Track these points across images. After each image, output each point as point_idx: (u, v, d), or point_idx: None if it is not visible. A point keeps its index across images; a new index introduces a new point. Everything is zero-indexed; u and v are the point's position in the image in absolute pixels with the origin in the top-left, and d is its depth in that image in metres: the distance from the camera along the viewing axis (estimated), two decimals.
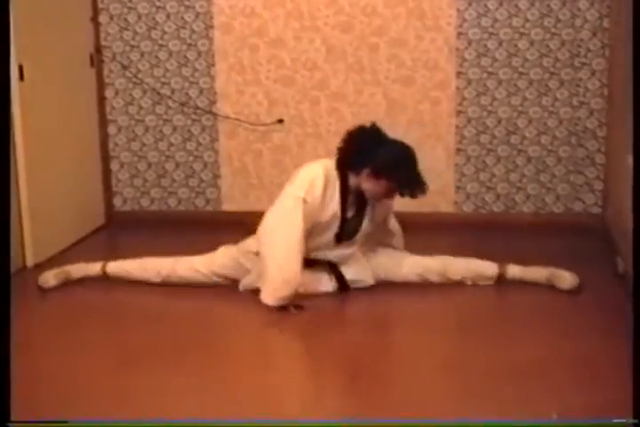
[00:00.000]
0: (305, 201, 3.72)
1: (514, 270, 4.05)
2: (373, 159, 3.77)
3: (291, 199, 3.76)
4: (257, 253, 3.84)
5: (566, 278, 3.97)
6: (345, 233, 3.92)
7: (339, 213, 3.85)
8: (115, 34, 5.40)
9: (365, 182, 3.82)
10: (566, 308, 3.84)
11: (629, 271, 3.73)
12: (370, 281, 4.01)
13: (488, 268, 4.06)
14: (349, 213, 3.91)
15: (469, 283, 4.06)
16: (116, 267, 4.17)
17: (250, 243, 3.95)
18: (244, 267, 3.98)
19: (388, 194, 3.87)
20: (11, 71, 4.19)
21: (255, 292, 3.81)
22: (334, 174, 3.84)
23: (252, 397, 2.94)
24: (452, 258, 4.08)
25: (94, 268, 4.18)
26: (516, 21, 5.13)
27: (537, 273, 4.05)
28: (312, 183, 3.77)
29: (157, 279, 4.09)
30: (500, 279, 4.05)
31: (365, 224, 3.97)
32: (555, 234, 4.52)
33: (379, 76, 5.27)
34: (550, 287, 4.00)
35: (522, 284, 4.09)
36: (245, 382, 3.07)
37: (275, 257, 3.70)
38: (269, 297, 3.72)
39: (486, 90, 5.25)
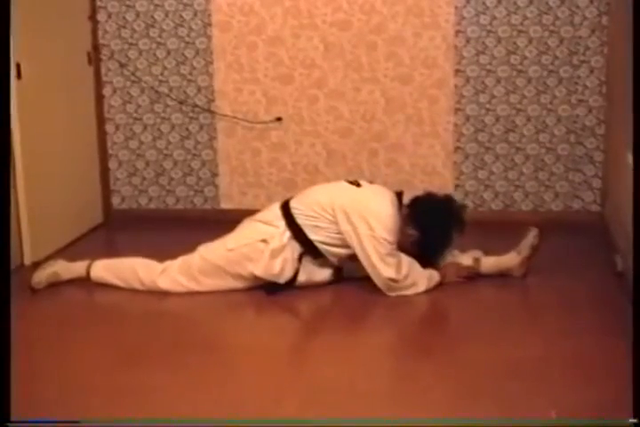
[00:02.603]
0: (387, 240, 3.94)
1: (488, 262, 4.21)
2: (418, 211, 4.06)
3: (383, 245, 3.93)
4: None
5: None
6: None
7: None
8: (113, 32, 5.39)
9: (403, 227, 4.02)
10: (565, 306, 3.84)
11: (628, 269, 3.73)
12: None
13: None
14: None
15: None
16: (99, 278, 4.15)
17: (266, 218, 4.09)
18: (227, 270, 4.01)
19: (412, 241, 4.06)
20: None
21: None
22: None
23: (251, 396, 2.93)
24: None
25: (81, 270, 4.18)
26: (515, 19, 5.13)
27: (511, 261, 4.19)
28: (392, 222, 3.96)
29: (143, 288, 4.09)
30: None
31: None
32: (553, 232, 4.51)
33: (377, 74, 5.26)
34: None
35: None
36: (245, 381, 3.07)
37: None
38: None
39: (485, 88, 5.24)
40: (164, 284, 4.04)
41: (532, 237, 4.15)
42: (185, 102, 5.43)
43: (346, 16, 5.22)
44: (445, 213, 4.05)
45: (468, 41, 5.19)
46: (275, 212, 4.06)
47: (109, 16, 5.37)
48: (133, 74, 5.43)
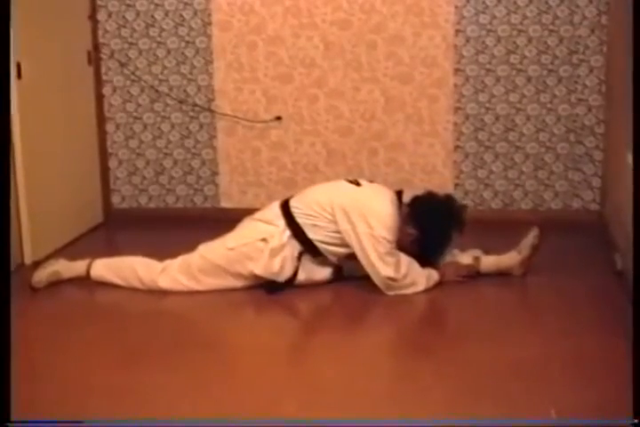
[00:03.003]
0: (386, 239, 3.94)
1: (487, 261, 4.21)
2: (417, 210, 4.05)
3: (382, 244, 3.93)
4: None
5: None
6: None
7: None
8: (113, 31, 5.39)
9: (403, 226, 4.02)
10: (565, 305, 3.84)
11: (628, 268, 3.73)
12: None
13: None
14: None
15: None
16: (99, 277, 4.15)
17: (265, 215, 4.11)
18: (227, 269, 4.02)
19: (412, 240, 4.06)
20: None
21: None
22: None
23: (251, 395, 2.94)
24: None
25: (81, 269, 4.18)
26: (515, 18, 5.13)
27: (511, 260, 4.19)
28: (391, 221, 3.95)
29: (143, 287, 4.10)
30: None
31: None
32: (553, 231, 4.51)
33: (377, 74, 5.26)
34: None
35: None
36: (245, 380, 3.07)
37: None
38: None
39: (484, 87, 5.24)
40: (164, 283, 4.04)
41: (532, 236, 4.15)
42: (185, 101, 5.43)
43: (346, 15, 5.22)
44: (445, 212, 4.05)
45: (467, 40, 5.19)
46: (274, 211, 4.07)
47: (109, 15, 5.38)
48: (133, 73, 5.43)
